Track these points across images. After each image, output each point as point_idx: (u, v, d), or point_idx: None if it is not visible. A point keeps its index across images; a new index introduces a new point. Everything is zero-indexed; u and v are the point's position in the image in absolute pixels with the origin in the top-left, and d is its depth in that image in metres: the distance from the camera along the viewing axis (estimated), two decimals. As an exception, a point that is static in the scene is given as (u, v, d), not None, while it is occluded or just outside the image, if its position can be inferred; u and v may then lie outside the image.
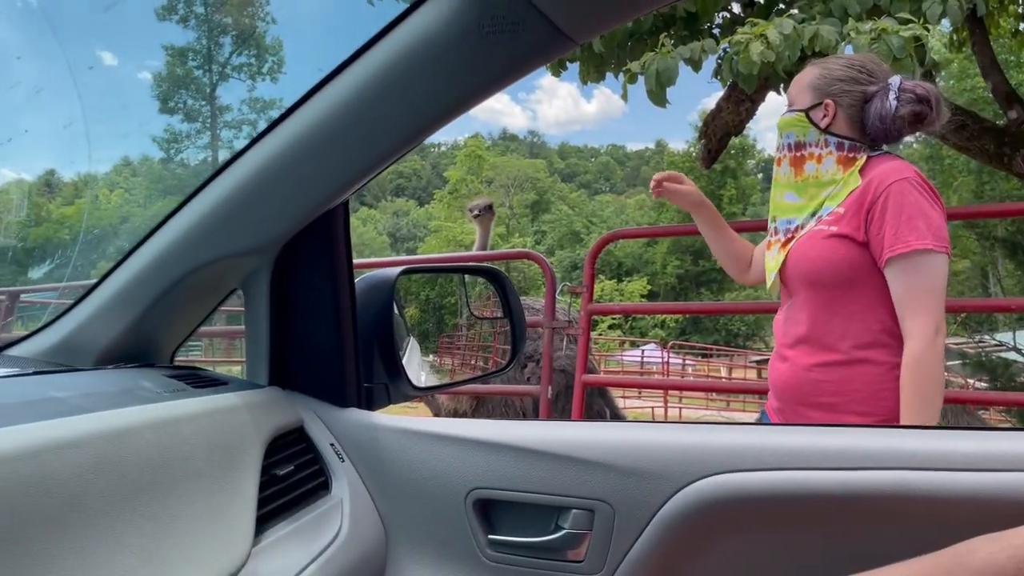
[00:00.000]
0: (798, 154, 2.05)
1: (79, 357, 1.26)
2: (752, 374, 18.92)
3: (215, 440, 0.99)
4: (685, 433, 1.12)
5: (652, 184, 2.33)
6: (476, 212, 6.08)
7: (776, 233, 2.08)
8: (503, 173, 52.27)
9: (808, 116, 2.02)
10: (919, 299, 1.83)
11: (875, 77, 2.00)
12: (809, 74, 2.05)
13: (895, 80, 1.97)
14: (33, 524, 0.72)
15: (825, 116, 2.00)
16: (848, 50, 3.97)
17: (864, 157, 1.98)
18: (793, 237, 2.03)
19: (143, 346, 1.29)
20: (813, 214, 2.00)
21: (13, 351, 1.30)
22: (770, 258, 2.09)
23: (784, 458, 1.04)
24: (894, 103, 1.93)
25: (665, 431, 1.14)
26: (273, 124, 1.13)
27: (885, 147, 2.03)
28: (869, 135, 1.99)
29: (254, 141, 1.15)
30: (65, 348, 1.28)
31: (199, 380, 1.16)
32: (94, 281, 1.30)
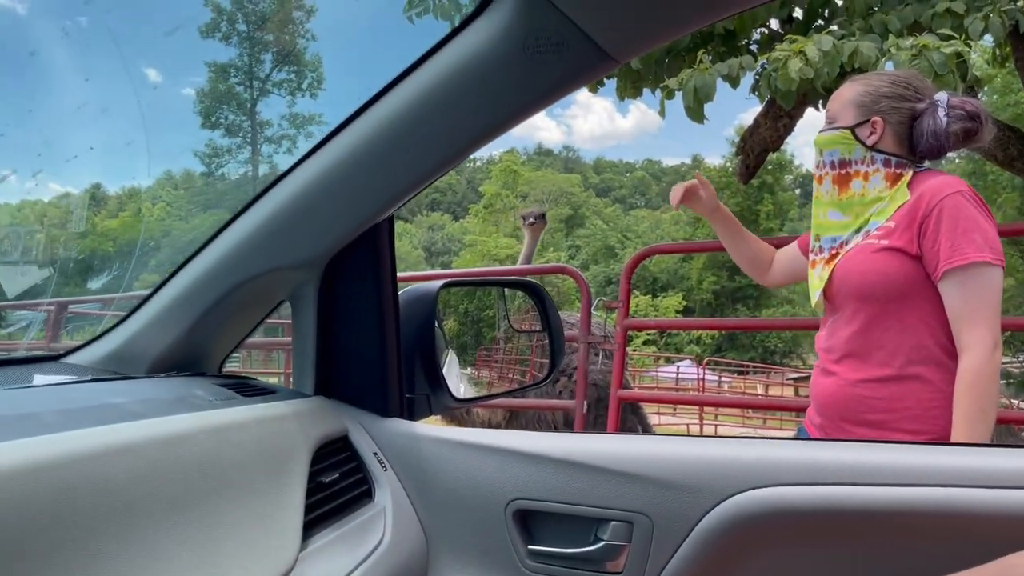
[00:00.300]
0: (842, 172, 2.02)
1: (132, 366, 1.31)
2: (789, 392, 18.66)
3: (265, 447, 1.02)
4: (724, 447, 1.12)
5: (675, 198, 2.37)
6: (531, 220, 6.13)
7: (820, 252, 2.06)
8: (538, 188, 52.39)
9: (854, 133, 2.00)
10: (977, 312, 1.80)
11: (922, 94, 1.98)
12: (851, 91, 2.04)
13: (942, 97, 1.96)
14: (97, 524, 0.75)
15: (872, 133, 1.98)
16: (888, 67, 3.94)
17: (910, 173, 1.96)
18: (838, 254, 2.01)
19: (194, 355, 1.33)
20: (859, 231, 1.98)
21: (70, 359, 1.35)
22: (815, 275, 2.07)
23: (825, 473, 1.04)
24: (944, 120, 1.92)
25: (704, 445, 1.15)
26: (322, 141, 1.17)
27: (928, 163, 2.02)
28: (918, 152, 1.97)
29: (304, 158, 1.19)
30: (119, 357, 1.32)
31: (248, 389, 1.20)
32: (138, 292, 1.34)
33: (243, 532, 0.91)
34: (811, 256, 2.11)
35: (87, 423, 0.85)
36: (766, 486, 1.05)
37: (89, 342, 1.39)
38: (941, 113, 1.93)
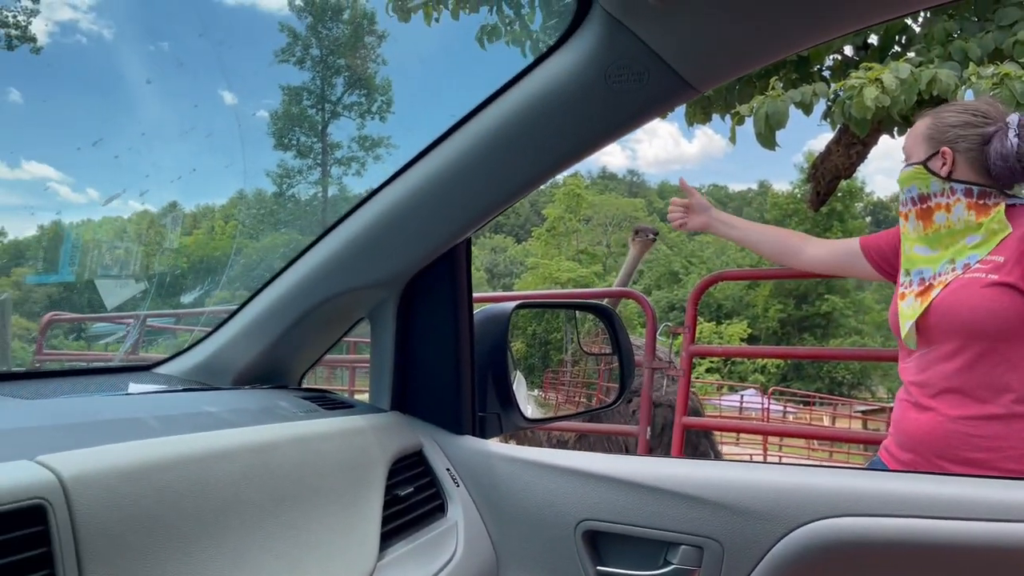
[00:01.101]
0: (924, 207, 1.99)
1: (219, 377, 1.37)
2: (857, 424, 18.12)
3: (346, 458, 1.05)
4: (797, 474, 1.12)
5: (673, 219, 2.51)
6: (650, 235, 5.83)
7: (911, 284, 2.01)
8: (601, 212, 52.31)
9: (927, 167, 1.97)
10: None
11: (990, 118, 1.94)
12: (922, 125, 2.01)
13: (1013, 118, 1.91)
14: (194, 526, 0.79)
15: (944, 164, 1.95)
16: (968, 95, 3.86)
17: (1002, 202, 1.92)
18: (930, 287, 1.96)
19: (276, 369, 1.38)
20: (952, 262, 1.94)
21: (161, 369, 1.42)
22: (904, 307, 2.01)
23: (903, 505, 1.03)
24: (1015, 141, 1.87)
25: (777, 471, 1.14)
26: (406, 165, 1.21)
27: None
28: (994, 176, 1.93)
29: (388, 181, 1.24)
30: (207, 368, 1.38)
31: (328, 402, 1.24)
32: (216, 308, 1.41)
33: (325, 540, 0.95)
34: (900, 288, 2.06)
35: (186, 429, 0.90)
36: (841, 515, 1.05)
37: (177, 354, 1.46)
38: (1011, 135, 1.88)
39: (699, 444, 5.35)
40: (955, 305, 1.89)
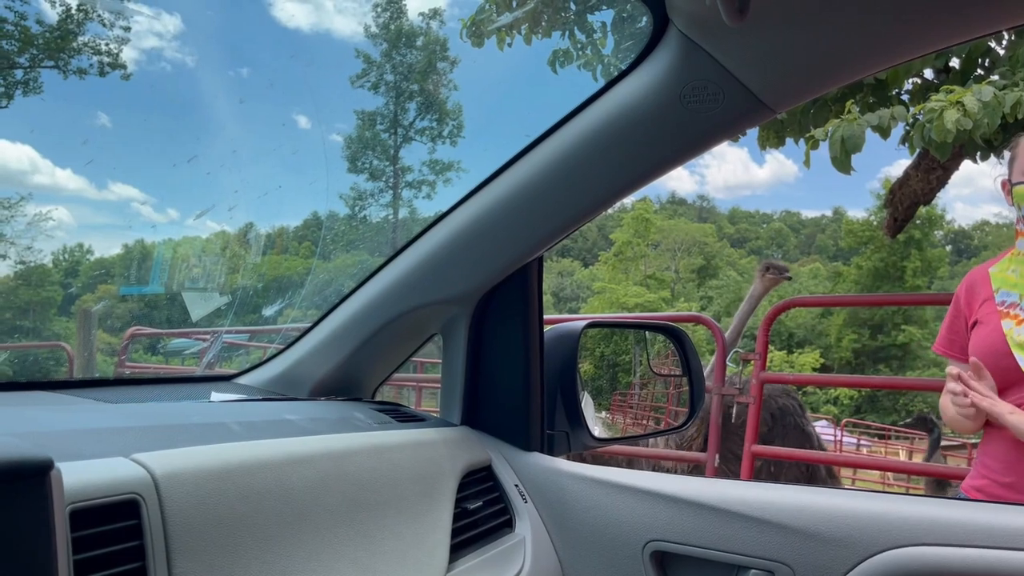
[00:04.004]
0: None
1: (296, 388, 1.41)
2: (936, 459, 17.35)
3: (418, 470, 1.08)
4: (876, 501, 1.09)
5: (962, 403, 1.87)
6: (786, 274, 5.58)
7: None
8: (670, 237, 51.80)
9: None
10: None
11: None
12: None
13: None
14: (274, 525, 0.82)
15: None
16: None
17: None
18: None
19: (350, 382, 1.42)
20: None
21: (241, 380, 1.47)
22: (1018, 334, 1.87)
23: (985, 535, 1.00)
24: None
25: (853, 498, 1.12)
26: (479, 185, 1.24)
27: None
28: None
29: (462, 200, 1.27)
30: (284, 380, 1.43)
31: (401, 415, 1.27)
32: (290, 325, 1.46)
33: (398, 548, 0.97)
34: (1008, 311, 1.90)
35: (267, 435, 0.94)
36: (920, 544, 1.02)
37: (256, 365, 1.51)
38: None
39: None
40: None
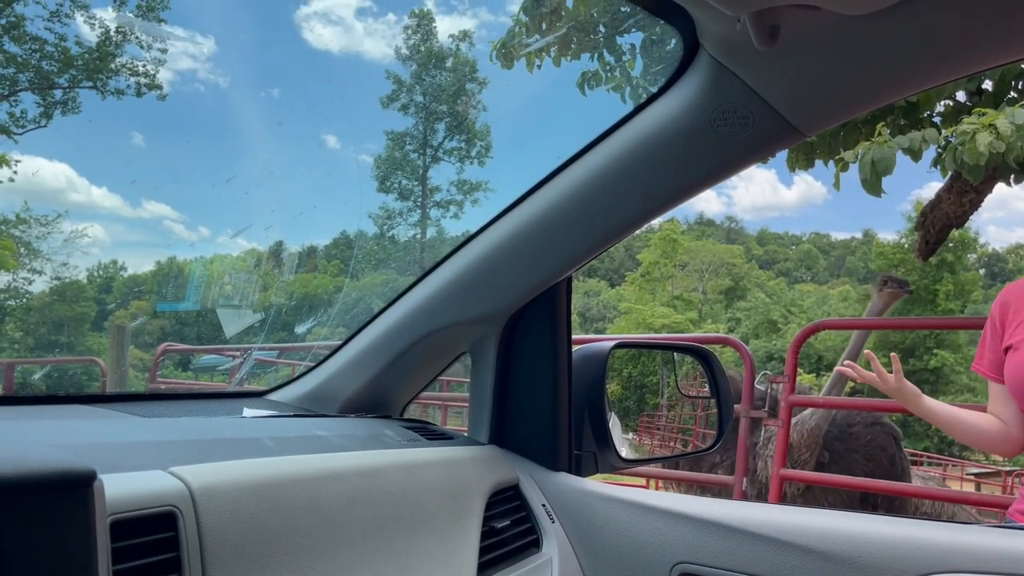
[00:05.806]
0: None
1: (326, 405, 1.43)
2: (970, 487, 17.02)
3: (447, 487, 1.08)
4: (908, 527, 1.08)
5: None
6: (907, 288, 5.23)
7: None
8: (697, 258, 51.53)
9: None
10: None
11: None
12: None
13: None
14: (306, 539, 0.83)
15: None
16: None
17: None
18: None
19: (380, 399, 1.43)
20: None
21: (272, 396, 1.49)
22: None
23: (1021, 562, 0.98)
24: None
25: (884, 523, 1.11)
26: (510, 206, 1.25)
27: None
28: None
29: (492, 221, 1.28)
30: (315, 397, 1.45)
31: (430, 433, 1.28)
32: (319, 343, 1.48)
33: (428, 565, 0.97)
34: None
35: (299, 450, 0.95)
36: (954, 572, 1.00)
37: (287, 382, 1.53)
38: None
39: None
40: None
